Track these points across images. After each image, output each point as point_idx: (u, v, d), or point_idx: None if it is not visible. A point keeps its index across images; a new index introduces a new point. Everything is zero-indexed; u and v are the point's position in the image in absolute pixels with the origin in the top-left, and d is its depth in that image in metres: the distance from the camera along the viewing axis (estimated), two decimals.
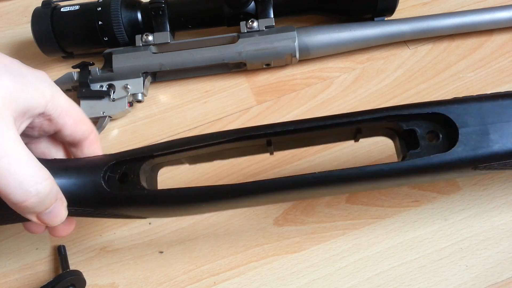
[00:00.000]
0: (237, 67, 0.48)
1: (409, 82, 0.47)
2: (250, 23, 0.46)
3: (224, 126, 0.46)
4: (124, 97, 0.45)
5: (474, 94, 0.45)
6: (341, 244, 0.39)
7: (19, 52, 0.54)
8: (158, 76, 0.49)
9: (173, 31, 0.48)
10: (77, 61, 0.46)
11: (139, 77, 0.46)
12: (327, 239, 0.39)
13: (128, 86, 0.45)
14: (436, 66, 0.47)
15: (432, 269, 0.37)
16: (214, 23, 0.48)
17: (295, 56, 0.46)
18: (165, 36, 0.46)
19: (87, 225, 0.41)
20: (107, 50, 0.46)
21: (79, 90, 0.45)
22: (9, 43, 0.55)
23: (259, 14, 0.46)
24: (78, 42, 0.47)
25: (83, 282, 0.38)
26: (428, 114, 0.30)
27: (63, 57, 0.50)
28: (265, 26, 0.46)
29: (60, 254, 0.40)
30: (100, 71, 0.46)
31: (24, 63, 0.29)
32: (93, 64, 0.46)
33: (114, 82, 0.46)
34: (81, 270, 0.39)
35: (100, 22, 0.45)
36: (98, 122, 0.45)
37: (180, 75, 0.49)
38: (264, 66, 0.47)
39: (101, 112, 0.45)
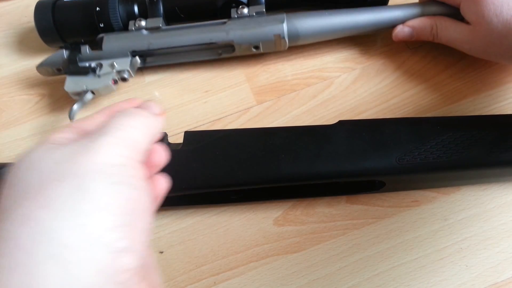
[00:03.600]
0: (227, 53, 0.48)
1: (409, 82, 0.47)
2: (241, 9, 0.46)
3: (224, 126, 0.46)
4: (109, 73, 0.45)
5: (474, 94, 0.45)
6: (341, 244, 0.39)
7: (22, 45, 0.54)
8: (148, 61, 0.49)
9: (166, 21, 0.49)
10: None
11: (127, 56, 0.46)
12: (327, 239, 0.39)
13: (115, 63, 0.45)
14: (436, 66, 0.47)
15: (432, 269, 0.37)
16: (207, 13, 0.49)
17: (283, 38, 0.45)
18: (157, 21, 0.47)
19: None
20: (101, 35, 0.47)
21: (67, 67, 0.46)
22: (9, 42, 0.55)
23: (250, 1, 0.47)
24: (77, 30, 0.49)
25: None
26: None
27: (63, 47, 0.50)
28: (255, 12, 0.46)
29: None
30: (90, 50, 0.46)
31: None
32: (84, 43, 0.46)
33: (102, 61, 0.46)
34: None
35: (97, 8, 0.47)
36: (80, 96, 0.46)
37: (170, 59, 0.48)
38: (254, 50, 0.46)
39: (84, 87, 0.45)
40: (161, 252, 0.40)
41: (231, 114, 0.47)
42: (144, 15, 0.48)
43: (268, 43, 0.46)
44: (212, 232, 0.41)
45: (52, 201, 0.19)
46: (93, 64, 0.46)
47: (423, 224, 0.39)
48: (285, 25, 0.45)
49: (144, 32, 0.47)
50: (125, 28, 0.48)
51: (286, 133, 0.37)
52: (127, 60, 0.46)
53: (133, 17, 0.48)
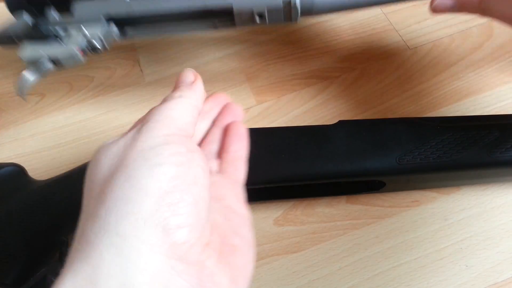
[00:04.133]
0: (225, 25, 0.39)
1: (409, 82, 0.47)
2: None
3: None
4: (76, 40, 0.37)
5: (474, 94, 0.45)
6: (341, 244, 0.39)
7: None
8: (128, 32, 0.40)
9: None
10: None
11: (100, 22, 0.38)
12: (327, 239, 0.39)
13: (83, 29, 0.37)
14: (436, 66, 0.47)
15: (432, 269, 0.37)
16: None
17: (295, 5, 0.36)
18: None
19: None
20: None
21: (30, 31, 0.39)
22: None
23: None
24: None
25: None
26: None
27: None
28: None
29: (61, 246, 0.40)
30: (57, 14, 0.39)
31: None
32: (50, 4, 0.39)
33: (70, 26, 0.38)
34: None
35: None
36: (37, 65, 0.37)
37: (154, 30, 0.40)
38: (257, 20, 0.38)
39: (42, 53, 0.37)
40: None
41: None
42: None
43: (275, 12, 0.37)
44: None
45: (107, 197, 0.21)
46: (59, 30, 0.38)
47: (423, 224, 0.39)
48: None
49: None
50: None
51: (286, 133, 0.37)
52: (100, 24, 0.38)
53: None
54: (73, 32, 0.38)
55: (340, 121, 0.38)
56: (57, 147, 0.46)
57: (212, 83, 0.49)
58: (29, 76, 0.37)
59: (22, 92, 0.37)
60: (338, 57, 0.49)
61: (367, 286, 0.37)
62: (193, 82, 0.29)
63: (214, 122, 0.32)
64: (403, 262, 0.38)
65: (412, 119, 0.39)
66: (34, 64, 0.37)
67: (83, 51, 0.38)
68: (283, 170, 0.36)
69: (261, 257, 0.39)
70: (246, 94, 0.48)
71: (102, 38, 0.38)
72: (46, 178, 0.39)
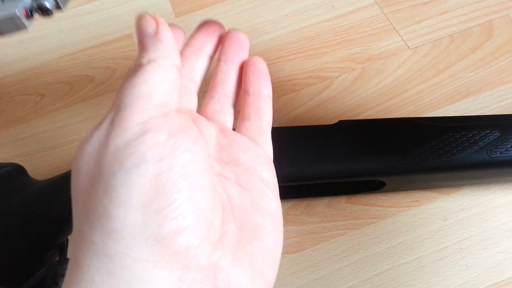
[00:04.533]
0: None
1: (409, 82, 0.47)
2: None
3: None
4: None
5: (474, 94, 0.45)
6: (341, 244, 0.39)
7: None
8: None
9: None
10: None
11: None
12: (327, 239, 0.39)
13: None
14: (436, 66, 0.47)
15: (432, 269, 0.37)
16: None
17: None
18: None
19: None
20: None
21: None
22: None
23: None
24: None
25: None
26: None
27: None
28: None
29: (61, 245, 0.40)
30: None
31: None
32: None
33: None
34: None
35: None
36: None
37: None
38: None
39: None
40: None
41: None
42: None
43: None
44: None
45: (89, 213, 0.18)
46: None
47: (423, 224, 0.39)
48: None
49: None
50: None
51: (286, 133, 0.37)
52: None
53: None
54: None
55: (340, 121, 0.38)
56: (57, 147, 0.46)
57: None
58: None
59: None
60: (338, 57, 0.49)
61: (367, 286, 0.37)
62: (155, 31, 0.21)
63: (219, 58, 0.26)
64: (403, 262, 0.38)
65: (412, 119, 0.39)
66: None
67: (28, 13, 0.27)
68: (283, 170, 0.36)
69: None
70: None
71: None
72: (46, 178, 0.39)
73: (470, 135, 0.36)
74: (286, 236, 0.40)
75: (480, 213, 0.39)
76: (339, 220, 0.40)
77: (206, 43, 0.26)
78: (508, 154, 0.35)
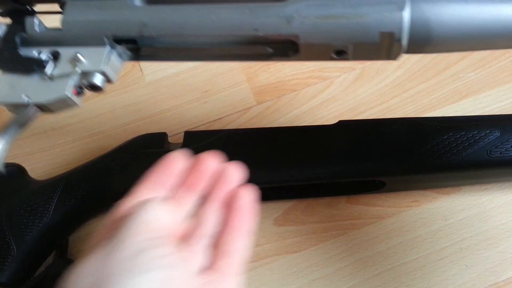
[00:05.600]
0: (282, 54, 0.26)
1: (409, 82, 0.47)
2: None
3: (224, 126, 0.46)
4: (69, 75, 0.26)
5: (474, 94, 0.45)
6: (341, 244, 0.39)
7: None
8: (142, 54, 0.27)
9: None
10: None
11: (103, 45, 0.26)
12: (327, 239, 0.39)
13: (80, 57, 0.25)
14: (436, 66, 0.47)
15: (432, 269, 0.37)
16: None
17: (399, 40, 0.23)
18: None
19: (87, 224, 0.41)
20: None
21: (1, 54, 0.27)
22: None
23: None
24: None
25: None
26: None
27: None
28: None
29: (61, 245, 0.40)
30: (43, 26, 0.27)
31: None
32: (33, 12, 0.27)
33: (61, 49, 0.26)
34: None
35: None
36: (18, 113, 0.26)
37: (179, 55, 0.28)
38: (334, 56, 0.24)
39: (23, 96, 0.26)
40: None
41: (231, 114, 0.47)
42: None
43: (366, 47, 0.24)
44: None
45: None
46: (43, 55, 0.26)
47: (423, 224, 0.39)
48: (407, 15, 0.22)
49: (137, 2, 0.26)
50: None
51: (286, 133, 0.37)
52: (102, 51, 0.26)
53: None
54: (65, 57, 0.26)
55: (340, 121, 0.38)
56: (57, 147, 0.46)
57: (212, 83, 0.49)
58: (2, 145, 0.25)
59: None
60: None
61: (367, 286, 0.37)
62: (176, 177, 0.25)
63: (206, 197, 0.26)
64: (403, 262, 0.38)
65: (412, 119, 0.39)
66: (15, 108, 0.27)
67: (78, 90, 0.26)
68: (283, 170, 0.36)
69: (261, 257, 0.39)
70: (246, 94, 0.48)
71: (106, 71, 0.26)
72: (46, 178, 0.39)
73: (470, 135, 0.36)
74: (286, 236, 0.40)
75: (480, 213, 0.39)
76: (339, 220, 0.40)
77: (200, 181, 0.26)
78: (508, 154, 0.35)
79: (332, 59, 0.25)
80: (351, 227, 0.40)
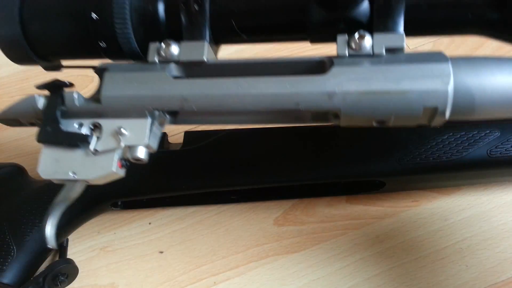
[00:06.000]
0: (321, 119, 0.26)
1: None
2: (358, 40, 0.24)
3: (224, 126, 0.46)
4: (113, 150, 0.26)
5: None
6: (341, 244, 0.39)
7: None
8: (179, 119, 0.28)
9: (215, 42, 0.27)
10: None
11: (145, 117, 0.26)
12: (327, 239, 0.39)
13: (123, 131, 0.26)
14: None
15: (432, 269, 0.37)
16: (289, 33, 0.27)
17: (443, 112, 0.23)
18: (199, 49, 0.26)
19: (87, 225, 0.41)
20: (101, 64, 0.28)
21: (42, 128, 0.27)
22: None
23: (374, 24, 0.24)
24: (62, 47, 0.28)
25: (75, 270, 0.38)
26: None
27: (46, 68, 0.31)
28: (385, 48, 0.24)
29: (61, 245, 0.40)
30: (82, 98, 0.27)
31: None
32: (71, 85, 0.27)
33: (102, 121, 0.27)
34: (80, 270, 0.39)
35: (94, 16, 0.26)
36: (64, 187, 0.29)
37: (220, 119, 0.28)
38: (375, 125, 0.25)
39: (70, 173, 0.27)
40: (161, 252, 0.40)
41: None
42: (175, 32, 0.26)
43: (407, 117, 0.24)
44: (212, 232, 0.41)
45: None
46: (85, 129, 0.27)
47: (423, 224, 0.39)
48: (451, 88, 0.22)
49: (174, 69, 0.26)
50: (141, 48, 0.27)
51: (286, 133, 0.37)
52: (144, 123, 0.26)
53: (156, 35, 0.27)
54: (107, 131, 0.26)
55: None
56: None
57: None
58: (50, 227, 0.27)
59: (51, 242, 0.28)
60: None
61: (367, 286, 0.37)
62: None
63: None
64: (403, 262, 0.38)
65: None
66: (59, 182, 0.28)
67: (123, 164, 0.27)
68: (283, 170, 0.36)
69: (261, 257, 0.39)
70: None
71: (150, 143, 0.26)
72: None
73: (470, 135, 0.36)
74: (286, 236, 0.40)
75: (480, 213, 0.39)
76: (339, 220, 0.40)
77: None
78: (508, 154, 0.35)
79: (372, 126, 0.25)
80: (351, 227, 0.40)
